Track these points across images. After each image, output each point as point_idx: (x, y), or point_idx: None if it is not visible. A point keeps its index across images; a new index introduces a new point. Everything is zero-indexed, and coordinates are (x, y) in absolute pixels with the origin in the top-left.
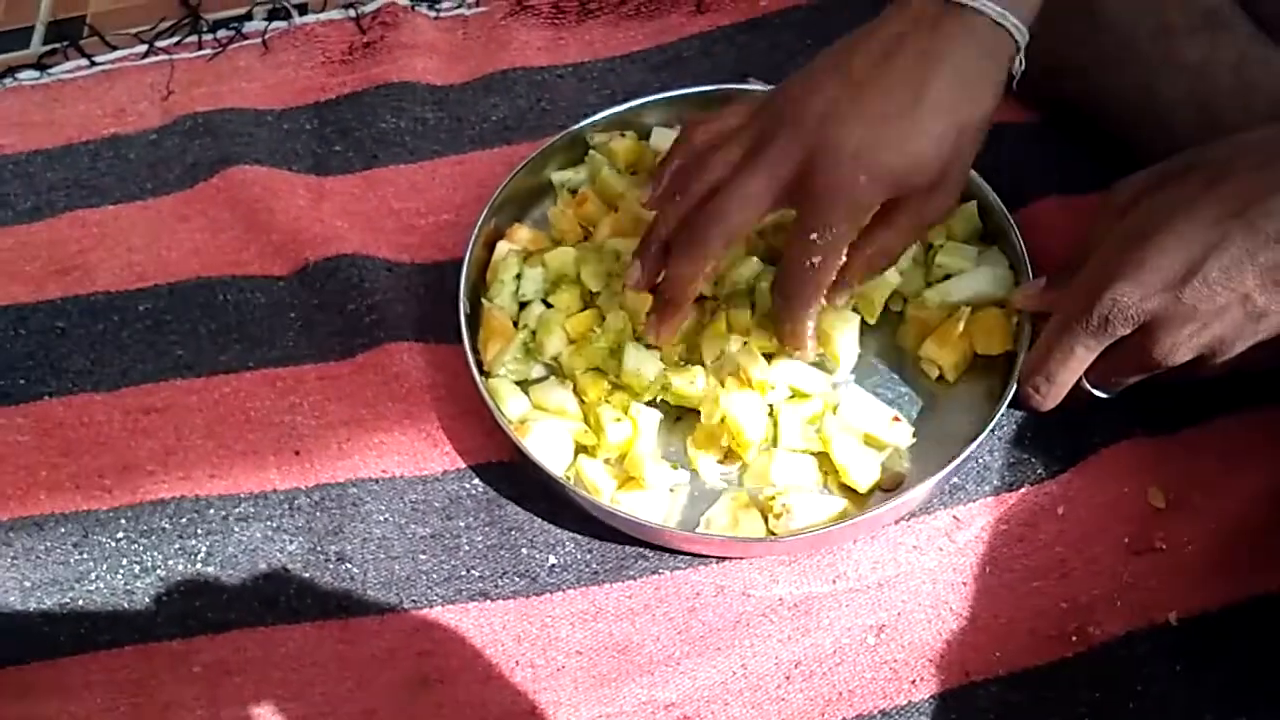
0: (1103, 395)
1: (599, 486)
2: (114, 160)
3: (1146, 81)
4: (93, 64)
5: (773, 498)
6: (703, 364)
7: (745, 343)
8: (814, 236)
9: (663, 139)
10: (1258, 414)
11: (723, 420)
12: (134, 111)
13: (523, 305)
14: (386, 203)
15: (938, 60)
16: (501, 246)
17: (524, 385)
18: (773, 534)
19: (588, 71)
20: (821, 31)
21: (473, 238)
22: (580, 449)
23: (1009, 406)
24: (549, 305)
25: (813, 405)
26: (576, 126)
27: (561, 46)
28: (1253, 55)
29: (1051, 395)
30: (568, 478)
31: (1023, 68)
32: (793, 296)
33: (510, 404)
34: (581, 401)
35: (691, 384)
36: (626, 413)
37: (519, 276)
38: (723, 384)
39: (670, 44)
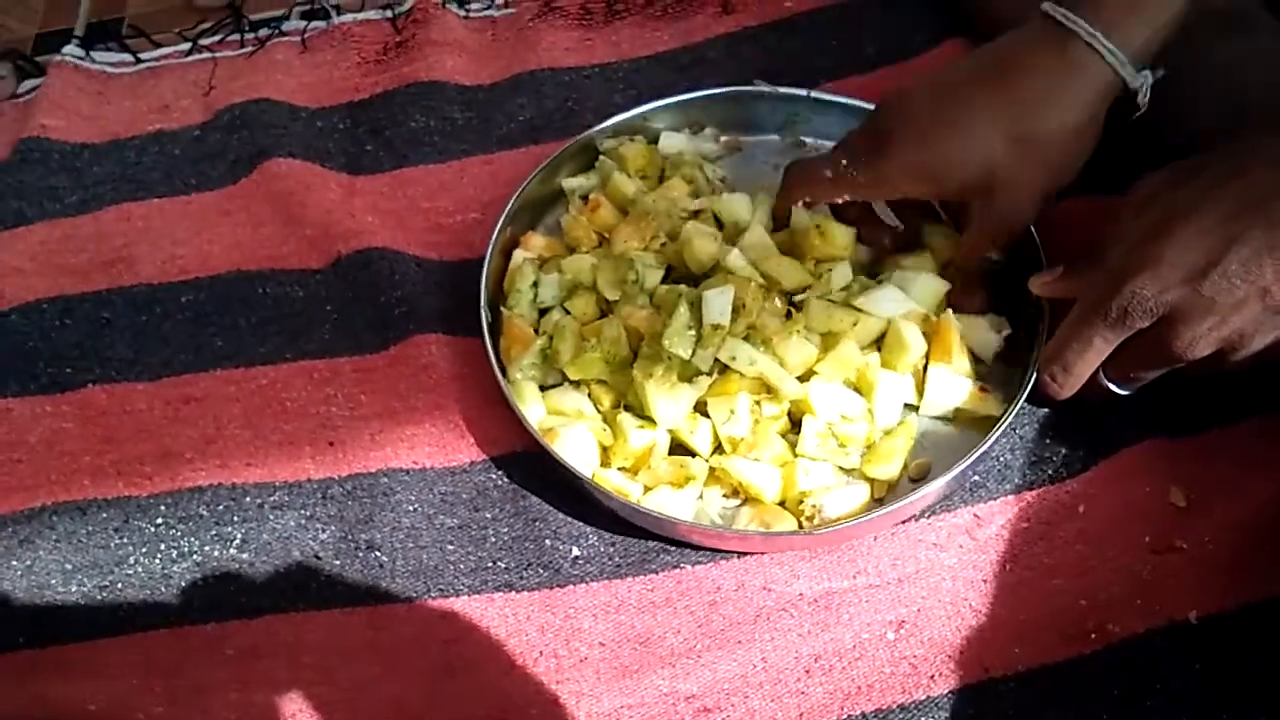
0: (1122, 392)
1: (624, 487)
2: (159, 156)
3: (1174, 80)
4: (138, 61)
5: (800, 501)
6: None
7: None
8: (844, 162)
9: (671, 143)
10: (1278, 416)
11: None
12: (178, 108)
13: (544, 311)
14: (415, 202)
15: (1006, 71)
16: (517, 255)
17: (545, 389)
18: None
19: (614, 72)
20: (847, 32)
21: (490, 249)
22: (602, 449)
23: (1030, 403)
24: (569, 312)
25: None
26: (585, 134)
27: (589, 47)
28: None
29: (1068, 385)
30: (595, 478)
31: (1142, 107)
32: (793, 183)
33: (531, 409)
34: (598, 408)
35: (692, 435)
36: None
37: (535, 284)
38: (735, 449)
39: (696, 45)
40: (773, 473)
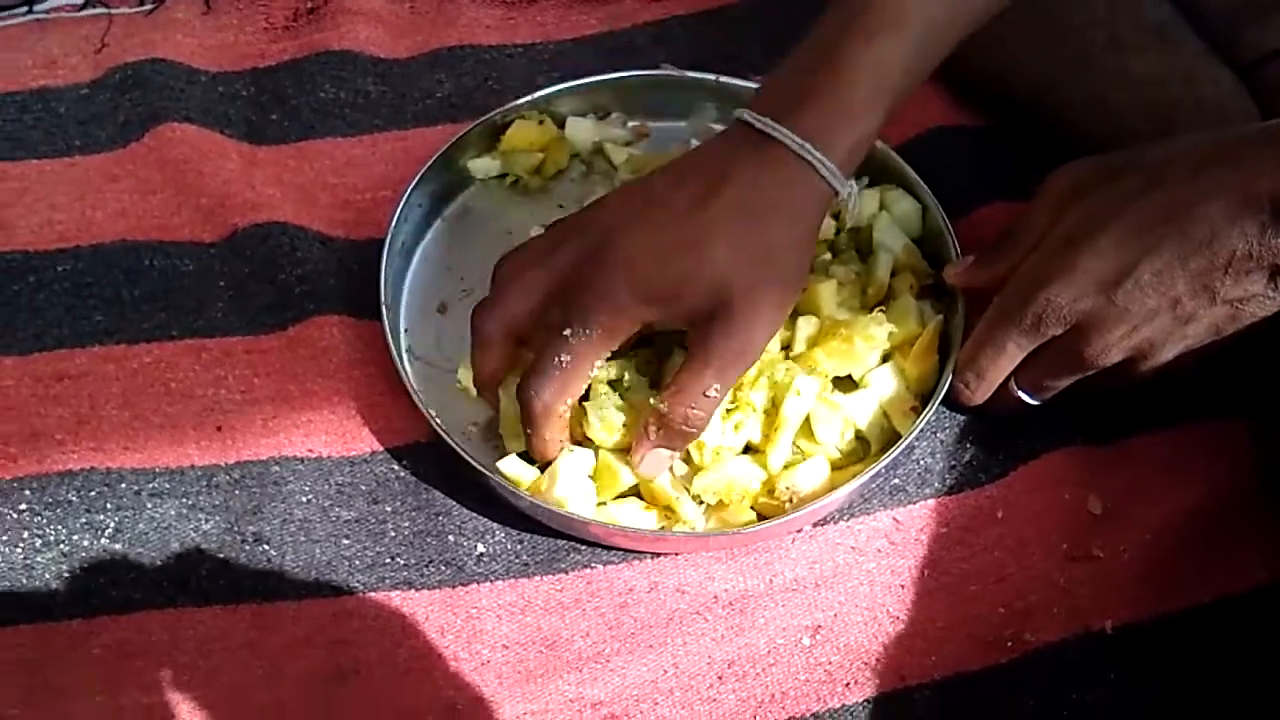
0: (1034, 402)
1: (522, 478)
2: (42, 113)
3: (1100, 92)
4: (30, 10)
5: (772, 490)
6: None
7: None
8: (567, 332)
9: (577, 128)
10: (1195, 425)
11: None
12: (65, 64)
13: None
14: (322, 176)
15: (724, 183)
16: None
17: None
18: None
19: (538, 53)
20: (777, 22)
21: (385, 250)
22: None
23: (947, 407)
24: None
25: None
26: (487, 116)
27: (512, 26)
28: (1201, 71)
29: (980, 391)
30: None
31: (850, 221)
32: (537, 394)
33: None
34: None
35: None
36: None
37: None
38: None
39: (624, 30)
40: (753, 470)
